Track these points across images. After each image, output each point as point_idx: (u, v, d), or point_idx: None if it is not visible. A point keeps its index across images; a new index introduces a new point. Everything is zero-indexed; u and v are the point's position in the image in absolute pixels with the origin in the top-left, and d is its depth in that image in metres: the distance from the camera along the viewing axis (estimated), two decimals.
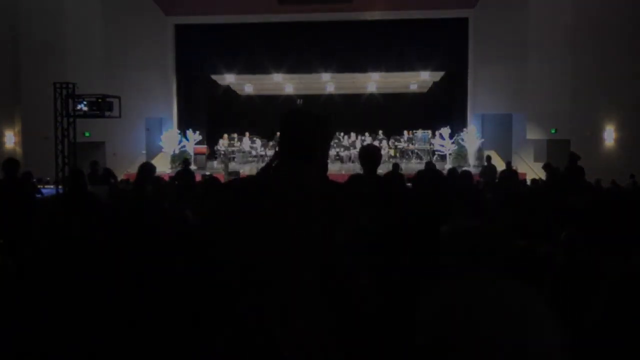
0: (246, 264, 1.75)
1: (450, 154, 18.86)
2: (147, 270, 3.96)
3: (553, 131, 17.39)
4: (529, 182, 12.98)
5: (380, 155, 4.93)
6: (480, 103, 19.62)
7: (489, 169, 13.22)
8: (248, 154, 19.69)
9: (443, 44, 19.89)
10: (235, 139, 19.92)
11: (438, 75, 20.84)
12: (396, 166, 11.96)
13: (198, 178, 12.15)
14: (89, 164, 11.52)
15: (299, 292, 1.71)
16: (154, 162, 17.72)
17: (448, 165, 18.36)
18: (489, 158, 14.07)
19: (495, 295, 1.99)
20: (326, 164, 2.06)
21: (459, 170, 10.68)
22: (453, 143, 18.89)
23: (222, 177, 15.30)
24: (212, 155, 19.76)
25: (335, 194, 1.89)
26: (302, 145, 1.97)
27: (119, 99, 12.92)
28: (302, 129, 2.02)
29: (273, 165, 2.03)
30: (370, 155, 4.81)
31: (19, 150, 14.67)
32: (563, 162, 11.94)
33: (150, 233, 5.83)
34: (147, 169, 6.27)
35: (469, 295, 2.01)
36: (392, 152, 19.76)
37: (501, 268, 2.07)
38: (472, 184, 9.84)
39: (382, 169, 18.40)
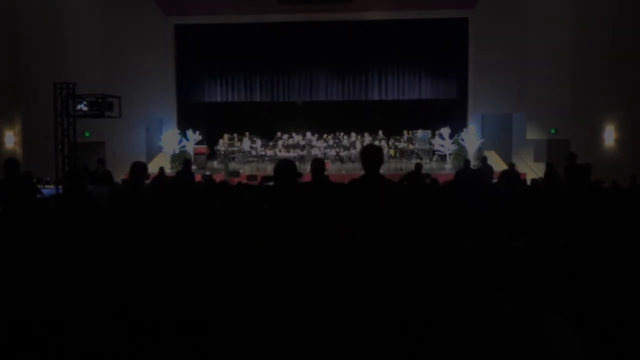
0: None
1: (450, 154, 18.87)
2: (147, 266, 3.96)
3: (553, 131, 17.39)
4: (529, 182, 12.98)
5: (382, 155, 4.92)
6: (480, 103, 19.62)
7: (485, 169, 13.02)
8: (248, 154, 19.69)
9: (443, 44, 19.91)
10: (235, 139, 19.93)
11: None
12: (419, 166, 12.01)
13: (198, 178, 12.17)
14: (96, 161, 11.54)
15: None
16: (154, 162, 17.77)
17: (448, 165, 18.38)
18: (484, 159, 13.84)
19: (524, 328, 1.74)
20: None
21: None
22: (453, 143, 18.90)
23: (222, 177, 15.31)
24: (212, 155, 19.77)
25: None
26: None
27: (119, 99, 12.91)
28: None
29: None
30: (371, 155, 4.79)
31: (19, 150, 14.66)
32: (563, 162, 11.94)
33: (149, 229, 5.82)
34: (139, 167, 6.33)
35: (492, 325, 1.75)
36: (392, 152, 19.75)
37: (533, 296, 1.84)
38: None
39: (382, 169, 18.27)
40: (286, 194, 4.51)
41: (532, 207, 8.58)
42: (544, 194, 9.71)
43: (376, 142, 19.23)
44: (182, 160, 12.64)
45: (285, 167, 4.67)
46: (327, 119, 20.58)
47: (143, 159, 19.03)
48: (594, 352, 1.90)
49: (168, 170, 17.02)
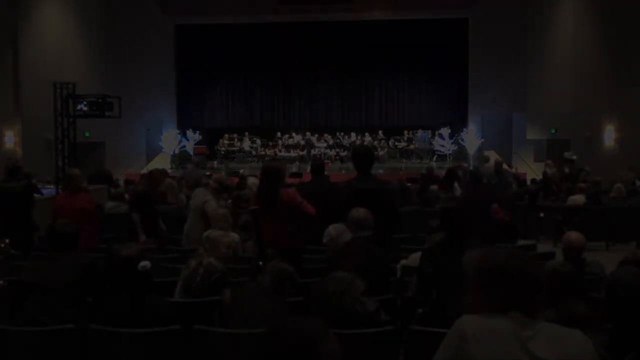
0: None
1: (450, 154, 18.87)
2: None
3: (553, 131, 17.38)
4: (529, 182, 12.98)
5: (373, 154, 5.00)
6: (480, 103, 19.61)
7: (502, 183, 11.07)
8: (248, 154, 19.69)
9: (443, 44, 19.89)
10: (235, 139, 19.93)
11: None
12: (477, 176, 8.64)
13: None
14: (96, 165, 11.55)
15: None
16: (154, 162, 17.76)
17: (448, 165, 18.36)
18: (498, 165, 11.46)
19: (536, 342, 1.67)
20: None
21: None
22: (453, 143, 18.89)
23: (222, 178, 15.28)
24: (212, 155, 19.76)
25: None
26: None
27: (119, 99, 12.87)
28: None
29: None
30: (363, 155, 4.85)
31: (19, 150, 14.65)
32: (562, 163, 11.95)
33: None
34: (157, 174, 6.53)
35: (498, 340, 1.67)
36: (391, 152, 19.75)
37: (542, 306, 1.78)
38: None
39: (382, 169, 18.22)
40: (270, 194, 4.57)
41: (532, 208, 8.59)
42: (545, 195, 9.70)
43: (376, 142, 19.25)
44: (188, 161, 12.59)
45: (271, 169, 4.77)
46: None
47: (143, 159, 19.04)
48: None
49: (168, 171, 17.02)
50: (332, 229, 3.40)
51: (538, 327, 1.69)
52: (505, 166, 14.33)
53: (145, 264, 3.35)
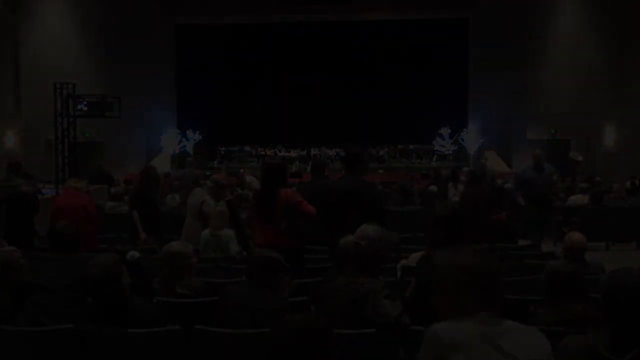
0: None
1: (450, 154, 18.88)
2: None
3: (553, 131, 17.39)
4: None
5: (364, 156, 5.11)
6: (480, 103, 19.60)
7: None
8: (248, 153, 19.69)
9: (443, 44, 19.89)
10: None
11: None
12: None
13: None
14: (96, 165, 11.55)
15: None
16: (154, 162, 17.73)
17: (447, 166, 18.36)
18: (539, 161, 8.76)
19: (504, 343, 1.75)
20: None
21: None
22: (453, 143, 18.90)
23: (222, 177, 15.28)
24: (212, 155, 19.77)
25: None
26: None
27: (119, 99, 12.88)
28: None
29: None
30: (353, 156, 4.89)
31: (19, 150, 14.66)
32: (563, 161, 11.94)
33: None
34: (152, 171, 6.50)
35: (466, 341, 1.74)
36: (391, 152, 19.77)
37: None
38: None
39: (382, 169, 18.17)
40: (270, 194, 4.57)
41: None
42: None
43: None
44: (185, 161, 12.62)
45: (273, 166, 4.78)
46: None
47: (143, 159, 19.02)
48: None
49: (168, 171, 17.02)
50: (371, 231, 3.28)
51: (505, 325, 1.79)
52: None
53: (133, 253, 3.36)
